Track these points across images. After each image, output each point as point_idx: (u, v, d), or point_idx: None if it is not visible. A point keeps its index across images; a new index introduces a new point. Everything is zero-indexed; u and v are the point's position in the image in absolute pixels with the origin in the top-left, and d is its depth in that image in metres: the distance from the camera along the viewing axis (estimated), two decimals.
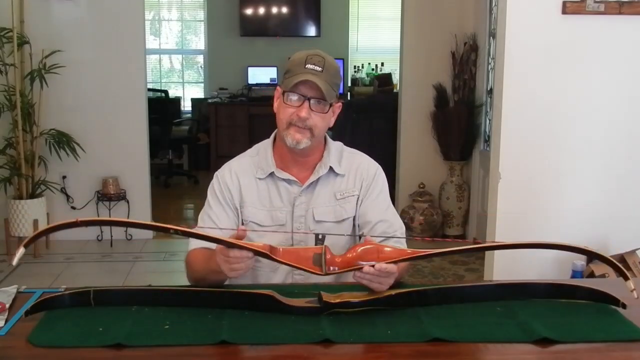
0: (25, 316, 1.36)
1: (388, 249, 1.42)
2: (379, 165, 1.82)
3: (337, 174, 1.74)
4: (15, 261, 1.33)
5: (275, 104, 1.71)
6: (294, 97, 1.63)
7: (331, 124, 1.73)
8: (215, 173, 1.78)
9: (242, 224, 1.72)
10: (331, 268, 1.40)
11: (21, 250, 1.31)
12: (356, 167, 1.77)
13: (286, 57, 7.64)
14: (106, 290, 1.45)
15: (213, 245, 1.59)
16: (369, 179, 1.77)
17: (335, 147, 1.79)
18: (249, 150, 1.82)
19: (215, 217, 1.71)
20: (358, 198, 1.76)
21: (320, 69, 1.62)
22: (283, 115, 1.66)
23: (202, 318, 1.37)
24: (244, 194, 1.73)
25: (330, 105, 1.66)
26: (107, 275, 4.06)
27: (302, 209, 1.72)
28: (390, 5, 6.87)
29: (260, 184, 1.73)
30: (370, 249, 1.41)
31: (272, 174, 1.73)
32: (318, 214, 1.73)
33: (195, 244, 1.66)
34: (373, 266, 1.38)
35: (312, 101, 1.62)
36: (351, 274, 1.70)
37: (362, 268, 1.39)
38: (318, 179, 1.73)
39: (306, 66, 1.62)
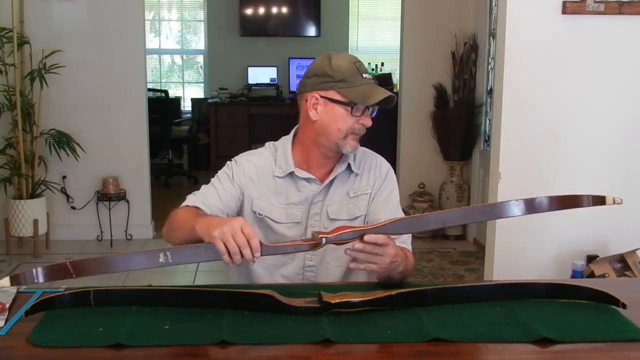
0: (25, 316, 1.36)
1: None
2: (390, 166, 1.84)
3: (351, 172, 1.76)
4: None
5: (316, 111, 1.67)
6: (360, 109, 1.65)
7: None
8: (233, 158, 1.78)
9: (257, 217, 1.72)
10: (323, 240, 1.40)
11: (5, 280, 1.28)
12: (369, 166, 1.79)
13: (286, 58, 7.64)
14: (106, 290, 1.46)
15: (206, 208, 1.62)
16: (382, 178, 1.78)
17: None
18: (266, 145, 1.81)
19: (220, 189, 1.70)
20: (370, 195, 1.77)
21: (370, 76, 1.67)
22: (343, 125, 1.65)
23: (202, 318, 1.37)
24: (259, 187, 1.72)
25: None
26: (107, 275, 4.03)
27: (318, 207, 1.73)
28: (390, 5, 6.88)
29: (278, 181, 1.73)
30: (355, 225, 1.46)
31: (291, 173, 1.72)
32: (332, 212, 1.73)
33: (188, 201, 1.66)
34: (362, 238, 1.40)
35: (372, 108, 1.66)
36: (353, 274, 1.72)
37: (360, 238, 1.40)
38: (335, 177, 1.74)
39: (363, 76, 1.65)
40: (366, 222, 1.75)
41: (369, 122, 1.66)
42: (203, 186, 1.73)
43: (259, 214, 1.72)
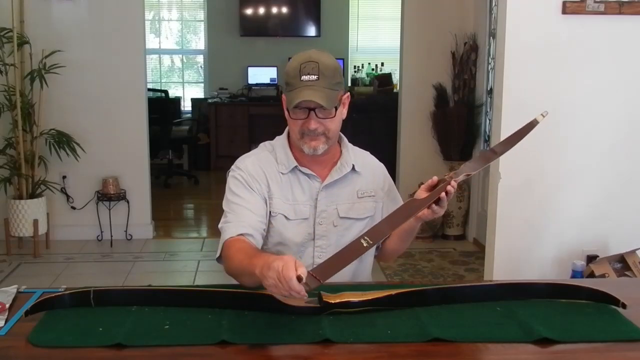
0: (25, 316, 1.36)
1: None
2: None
3: (355, 171, 1.78)
4: None
5: (286, 113, 1.71)
6: (299, 111, 1.64)
7: (344, 116, 1.74)
8: (233, 166, 1.75)
9: (271, 216, 1.71)
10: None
11: None
12: (370, 168, 1.82)
13: (286, 58, 7.69)
14: (106, 290, 1.45)
15: (249, 229, 1.60)
16: (387, 181, 1.84)
17: (348, 143, 1.82)
18: (261, 146, 1.81)
19: (245, 202, 1.67)
20: (374, 198, 1.79)
21: (315, 77, 1.60)
22: (294, 127, 1.68)
23: (202, 318, 1.37)
24: (271, 185, 1.72)
25: (336, 107, 1.65)
26: (107, 275, 4.06)
27: (324, 204, 1.73)
28: (390, 5, 6.88)
29: (284, 177, 1.74)
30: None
31: (294, 169, 1.74)
32: (343, 210, 1.74)
33: (229, 232, 1.62)
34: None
35: (316, 110, 1.62)
36: (359, 273, 1.76)
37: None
38: (339, 177, 1.75)
39: (302, 78, 1.61)
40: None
41: (311, 126, 1.63)
42: (226, 210, 1.69)
43: (272, 212, 1.71)
